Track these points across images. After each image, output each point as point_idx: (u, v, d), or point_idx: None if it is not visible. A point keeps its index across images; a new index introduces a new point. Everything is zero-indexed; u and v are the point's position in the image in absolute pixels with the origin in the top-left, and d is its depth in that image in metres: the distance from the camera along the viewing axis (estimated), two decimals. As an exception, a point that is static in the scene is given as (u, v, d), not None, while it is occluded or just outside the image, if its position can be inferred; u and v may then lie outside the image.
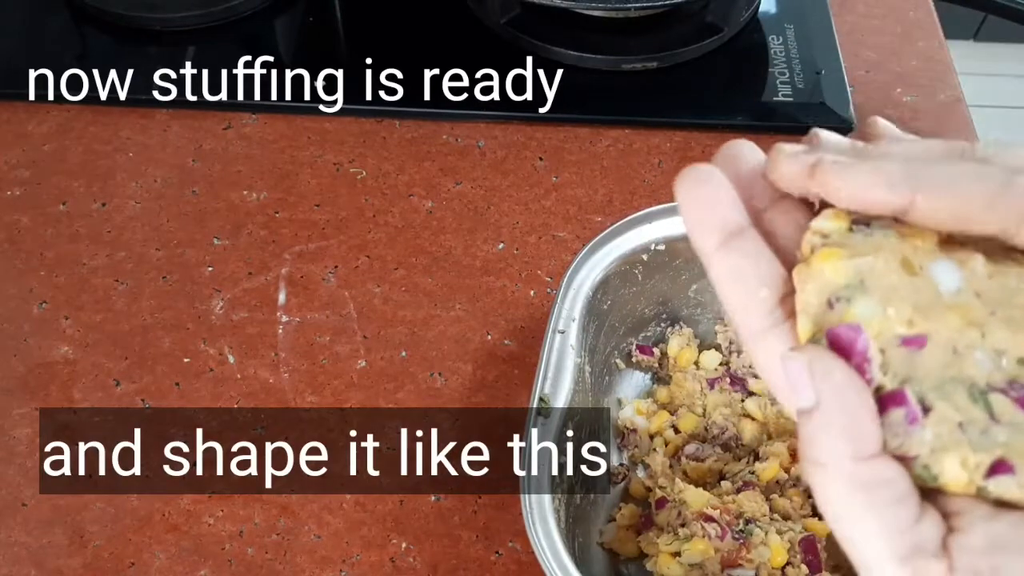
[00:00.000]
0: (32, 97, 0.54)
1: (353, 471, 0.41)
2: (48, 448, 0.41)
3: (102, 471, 0.41)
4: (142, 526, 0.39)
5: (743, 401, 0.41)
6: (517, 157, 0.52)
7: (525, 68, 0.56)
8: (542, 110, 0.54)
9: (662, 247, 0.40)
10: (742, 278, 0.20)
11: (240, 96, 0.55)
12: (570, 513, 0.36)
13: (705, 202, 0.20)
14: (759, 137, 0.53)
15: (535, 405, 0.35)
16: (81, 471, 0.41)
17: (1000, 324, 0.19)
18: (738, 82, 0.56)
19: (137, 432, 0.42)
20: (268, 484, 0.40)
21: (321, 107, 0.54)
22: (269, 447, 0.41)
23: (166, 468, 0.41)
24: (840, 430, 0.18)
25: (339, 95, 0.54)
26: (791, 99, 0.54)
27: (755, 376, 0.41)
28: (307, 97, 0.54)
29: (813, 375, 0.18)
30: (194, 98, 0.54)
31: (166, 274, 0.47)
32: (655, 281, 0.41)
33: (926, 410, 0.19)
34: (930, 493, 0.19)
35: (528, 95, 0.54)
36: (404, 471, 0.41)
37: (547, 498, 0.33)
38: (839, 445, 0.18)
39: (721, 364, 0.42)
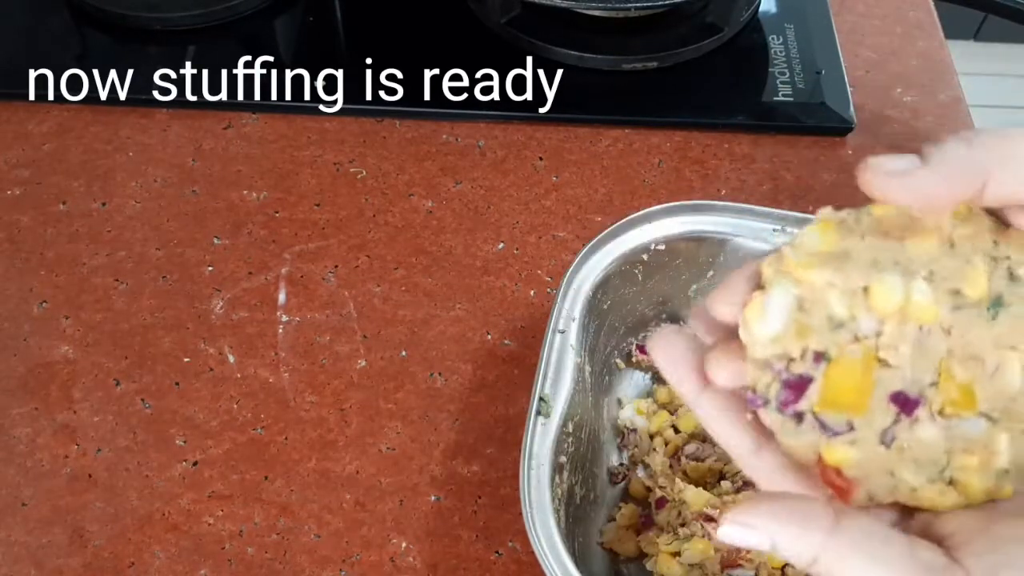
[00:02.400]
0: (32, 97, 0.55)
1: (353, 471, 0.41)
2: (48, 448, 0.41)
3: (102, 470, 0.41)
4: (142, 526, 0.39)
5: (743, 401, 0.41)
6: (517, 157, 0.52)
7: (525, 68, 0.56)
8: (542, 110, 0.54)
9: (662, 247, 0.40)
10: (725, 413, 0.23)
11: (240, 96, 0.55)
12: (570, 513, 0.36)
13: (679, 361, 0.23)
14: (759, 137, 0.53)
15: (535, 405, 0.35)
16: (81, 470, 0.41)
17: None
18: (738, 82, 0.56)
19: (137, 432, 0.42)
20: (268, 484, 0.40)
21: (321, 107, 0.54)
22: (269, 444, 0.41)
23: (166, 467, 0.41)
24: (802, 532, 0.20)
25: (339, 95, 0.54)
26: (791, 99, 0.54)
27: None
28: (307, 97, 0.54)
29: (751, 527, 0.21)
30: (194, 98, 0.54)
31: (166, 274, 0.47)
32: (655, 281, 0.41)
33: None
34: (919, 527, 0.21)
35: (528, 95, 0.54)
36: (404, 471, 0.41)
37: (547, 498, 0.33)
38: (811, 540, 0.20)
39: (721, 364, 0.42)
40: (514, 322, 0.45)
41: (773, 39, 0.57)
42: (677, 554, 0.36)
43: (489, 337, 0.45)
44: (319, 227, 0.49)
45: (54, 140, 0.53)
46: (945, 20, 0.60)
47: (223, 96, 0.55)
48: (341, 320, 0.45)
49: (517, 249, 0.48)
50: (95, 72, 0.56)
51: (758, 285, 0.22)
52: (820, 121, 0.53)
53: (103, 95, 0.54)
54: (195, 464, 0.41)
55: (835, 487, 0.21)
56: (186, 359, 0.44)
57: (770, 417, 0.21)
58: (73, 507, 0.40)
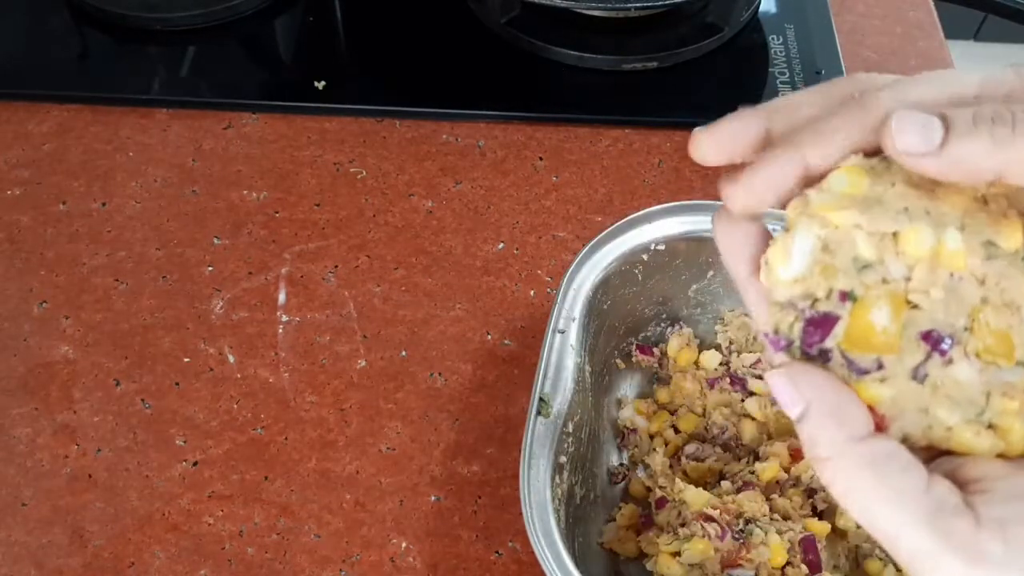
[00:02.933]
0: (32, 97, 0.55)
1: (353, 471, 0.41)
2: (48, 448, 0.41)
3: (102, 470, 0.41)
4: (142, 526, 0.39)
5: (743, 401, 0.41)
6: (517, 157, 0.52)
7: (525, 68, 0.56)
8: (542, 110, 0.54)
9: (662, 247, 0.40)
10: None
11: (240, 96, 0.55)
12: (570, 513, 0.36)
13: (737, 237, 0.22)
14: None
15: (535, 405, 0.35)
16: (81, 470, 0.41)
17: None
18: (738, 82, 0.56)
19: (137, 432, 0.42)
20: (268, 484, 0.40)
21: (321, 107, 0.54)
22: (269, 444, 0.41)
23: (166, 467, 0.41)
24: (831, 422, 0.20)
25: (339, 95, 0.54)
26: (791, 99, 0.54)
27: (755, 376, 0.41)
28: (307, 97, 0.54)
29: (796, 385, 0.20)
30: (194, 98, 0.55)
31: (166, 274, 0.47)
32: (655, 281, 0.41)
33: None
34: (947, 468, 0.21)
35: (528, 95, 0.55)
36: (404, 471, 0.41)
37: (547, 498, 0.33)
38: (834, 435, 0.20)
39: (721, 364, 0.42)
40: (514, 322, 0.45)
41: (773, 39, 0.57)
42: (677, 554, 0.35)
43: (489, 337, 0.45)
44: (319, 227, 0.49)
45: (54, 140, 0.53)
46: (945, 20, 0.60)
47: (223, 96, 0.55)
48: (341, 320, 0.45)
49: (517, 249, 0.48)
50: (95, 72, 0.56)
51: (764, 240, 0.22)
52: (820, 121, 0.53)
53: (103, 95, 0.55)
54: (195, 464, 0.41)
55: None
56: (186, 359, 0.44)
57: (791, 358, 0.21)
58: (73, 507, 0.40)
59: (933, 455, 0.21)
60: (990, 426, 0.21)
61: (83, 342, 0.45)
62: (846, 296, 0.21)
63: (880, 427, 0.21)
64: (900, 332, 0.21)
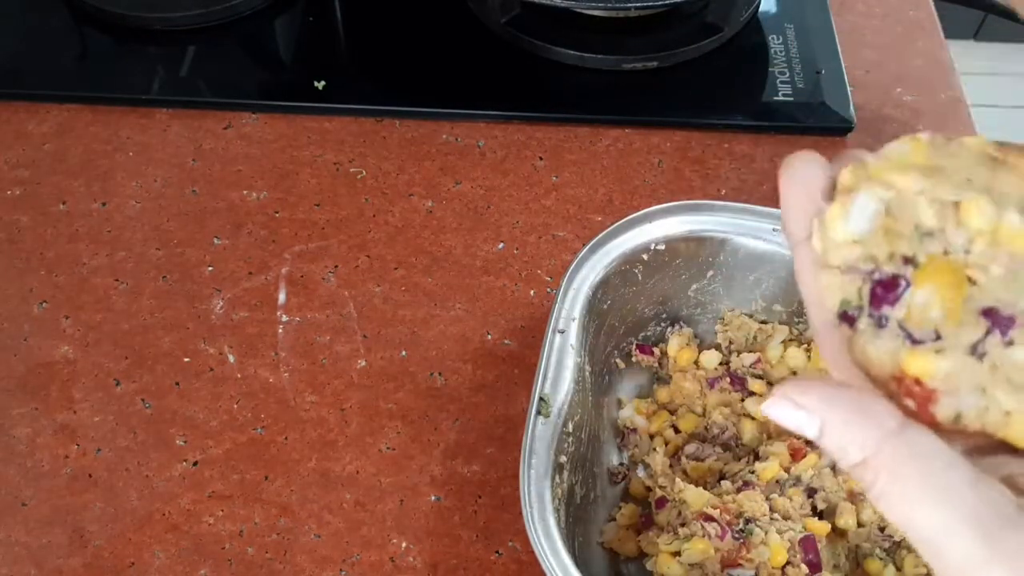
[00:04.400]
0: (32, 97, 0.55)
1: (353, 471, 0.41)
2: (48, 448, 0.41)
3: (102, 470, 0.41)
4: (142, 526, 0.39)
5: (743, 401, 0.41)
6: (517, 157, 0.52)
7: (525, 68, 0.56)
8: (542, 110, 0.54)
9: (662, 247, 0.40)
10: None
11: (240, 96, 0.55)
12: (570, 513, 0.36)
13: (804, 191, 0.21)
14: (759, 136, 0.53)
15: (535, 405, 0.35)
16: (81, 470, 0.41)
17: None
18: (738, 82, 0.56)
19: (137, 432, 0.42)
20: (268, 484, 0.40)
21: (321, 107, 0.54)
22: (269, 444, 0.41)
23: (166, 467, 0.41)
24: (858, 421, 0.18)
25: (339, 95, 0.54)
26: (791, 99, 0.54)
27: (755, 376, 0.41)
28: (307, 97, 0.54)
29: (801, 404, 0.19)
30: (194, 98, 0.55)
31: (166, 274, 0.47)
32: (655, 281, 0.41)
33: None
34: (997, 465, 0.19)
35: (528, 95, 0.54)
36: (404, 471, 0.41)
37: (547, 498, 0.33)
38: (866, 434, 0.18)
39: (721, 364, 0.42)
40: (514, 322, 0.45)
41: (773, 39, 0.57)
42: (677, 554, 0.35)
43: (489, 337, 0.45)
44: (319, 227, 0.49)
45: (54, 140, 0.53)
46: (945, 20, 0.60)
47: (223, 96, 0.55)
48: (341, 320, 0.45)
49: (517, 249, 0.48)
50: (95, 72, 0.56)
51: (831, 197, 0.20)
52: (820, 121, 0.53)
53: (103, 95, 0.54)
54: (195, 464, 0.41)
55: (915, 397, 0.19)
56: (186, 359, 0.44)
57: (861, 323, 0.20)
58: (73, 507, 0.40)
59: (983, 448, 0.19)
60: None
61: (83, 342, 0.45)
62: (908, 261, 0.20)
63: (928, 398, 0.19)
64: (960, 305, 0.20)
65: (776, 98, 0.54)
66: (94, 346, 0.45)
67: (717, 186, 0.51)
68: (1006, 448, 0.19)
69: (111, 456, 0.41)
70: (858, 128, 0.53)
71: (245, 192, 0.51)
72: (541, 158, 0.52)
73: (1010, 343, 0.20)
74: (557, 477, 0.35)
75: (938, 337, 0.20)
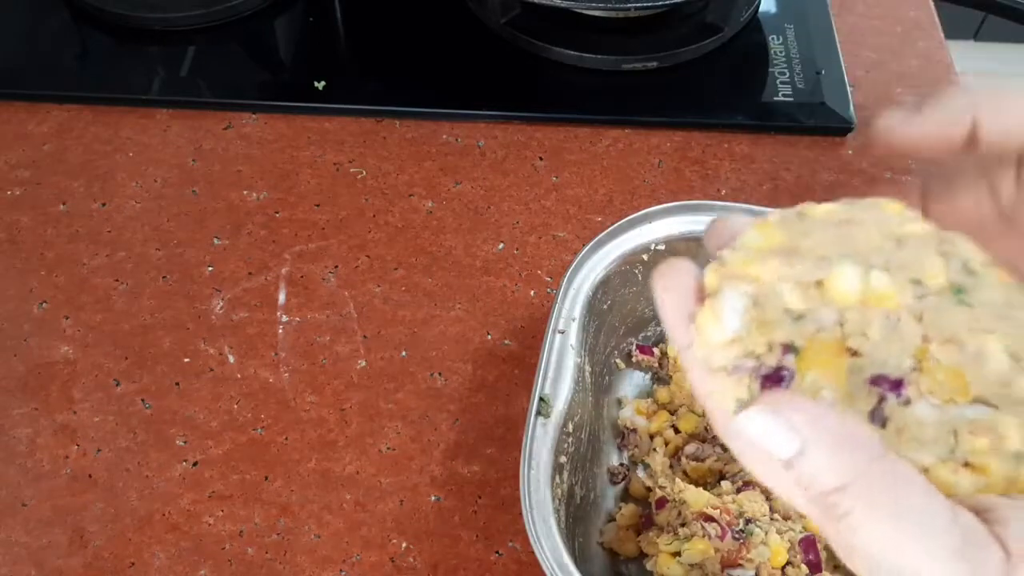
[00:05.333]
0: (32, 97, 0.55)
1: (353, 471, 0.41)
2: (48, 448, 0.41)
3: (102, 470, 0.41)
4: (142, 526, 0.39)
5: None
6: (517, 157, 0.52)
7: (525, 68, 0.56)
8: (542, 110, 0.54)
9: (662, 247, 0.40)
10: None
11: (240, 96, 0.55)
12: (570, 513, 0.36)
13: (678, 298, 0.21)
14: (759, 137, 0.53)
15: (535, 405, 0.35)
16: (81, 470, 0.41)
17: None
18: (738, 82, 0.56)
19: (137, 432, 0.42)
20: (268, 484, 0.40)
21: (321, 107, 0.54)
22: (269, 445, 0.41)
23: (166, 467, 0.41)
24: (846, 445, 0.18)
25: (339, 95, 0.54)
26: (791, 99, 0.54)
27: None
28: (307, 97, 0.54)
29: (787, 422, 0.18)
30: (194, 98, 0.55)
31: (166, 274, 0.47)
32: (655, 281, 0.41)
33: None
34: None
35: (528, 95, 0.54)
36: (404, 471, 0.41)
37: (547, 498, 0.33)
38: (852, 458, 0.18)
39: (721, 364, 0.42)
40: (514, 322, 0.45)
41: (773, 39, 0.57)
42: (677, 554, 0.35)
43: (489, 337, 0.45)
44: (319, 227, 0.49)
45: (54, 140, 0.53)
46: (945, 20, 0.60)
47: (223, 96, 0.55)
48: (341, 320, 0.45)
49: (517, 249, 0.48)
50: (95, 72, 0.56)
51: (700, 298, 0.21)
52: (820, 121, 0.53)
53: (103, 95, 0.54)
54: (195, 464, 0.41)
55: None
56: (186, 359, 0.44)
57: None
58: (73, 507, 0.40)
59: None
60: (966, 464, 0.20)
61: (83, 342, 0.45)
62: (788, 349, 0.20)
63: None
64: (845, 380, 0.20)
65: (776, 98, 0.54)
66: (94, 346, 0.45)
67: (717, 186, 0.51)
68: None
69: (111, 456, 0.41)
70: (858, 128, 0.53)
71: (245, 192, 0.51)
72: (541, 158, 0.52)
73: (907, 402, 0.20)
74: (557, 477, 0.35)
75: None
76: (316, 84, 0.55)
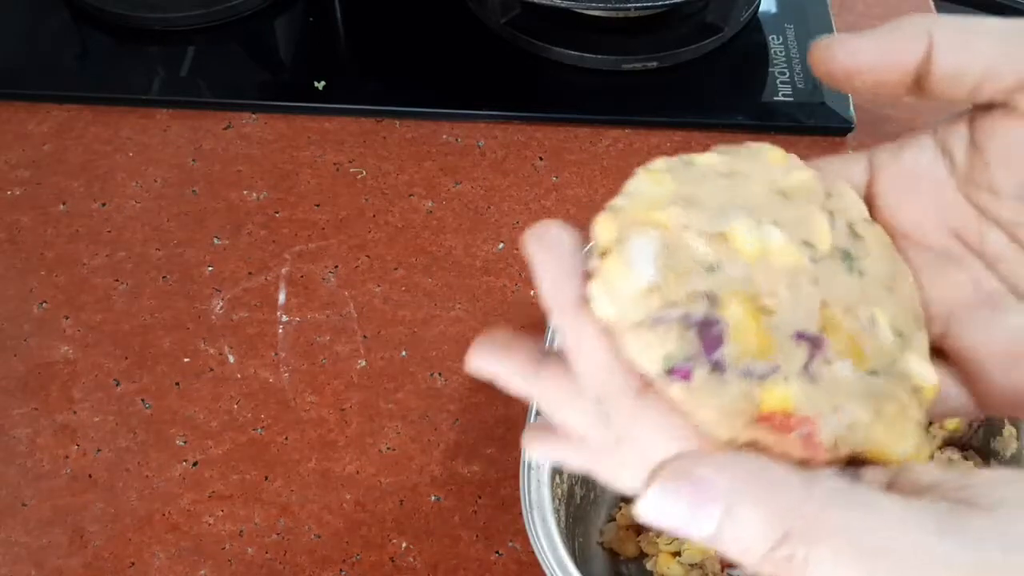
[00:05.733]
0: (32, 97, 0.55)
1: (353, 471, 0.41)
2: (48, 448, 0.41)
3: (102, 470, 0.41)
4: (142, 526, 0.39)
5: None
6: (517, 157, 0.52)
7: (525, 68, 0.56)
8: (542, 110, 0.54)
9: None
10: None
11: (240, 96, 0.55)
12: (570, 513, 0.36)
13: (558, 256, 0.19)
14: (759, 136, 0.53)
15: (535, 405, 0.35)
16: (81, 470, 0.41)
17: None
18: (738, 82, 0.56)
19: (137, 432, 0.42)
20: (268, 484, 0.40)
21: (321, 107, 0.54)
22: (269, 445, 0.41)
23: (166, 467, 0.41)
24: (764, 498, 0.16)
25: (339, 95, 0.54)
26: (791, 99, 0.54)
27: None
28: (307, 97, 0.54)
29: (703, 490, 0.16)
30: (194, 98, 0.54)
31: (166, 274, 0.47)
32: (655, 281, 0.41)
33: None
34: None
35: (528, 95, 0.54)
36: (404, 471, 0.41)
37: (547, 498, 0.33)
38: (780, 506, 0.16)
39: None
40: (514, 322, 0.45)
41: (773, 39, 0.57)
42: (677, 554, 0.36)
43: (489, 337, 0.45)
44: (319, 227, 0.49)
45: (54, 140, 0.53)
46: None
47: (223, 96, 0.55)
48: (341, 320, 0.45)
49: (517, 249, 0.48)
50: (95, 72, 0.56)
51: (590, 271, 0.18)
52: (820, 121, 0.53)
53: (103, 95, 0.54)
54: (195, 464, 0.41)
55: (791, 430, 0.17)
56: (186, 359, 0.44)
57: (698, 376, 0.17)
58: (73, 507, 0.40)
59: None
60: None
61: (83, 342, 0.45)
62: (710, 299, 0.18)
63: (812, 433, 0.17)
64: (771, 334, 0.18)
65: (776, 98, 0.54)
66: (94, 346, 0.45)
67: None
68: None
69: (111, 456, 0.41)
70: (858, 128, 0.53)
71: (245, 192, 0.51)
72: (541, 158, 0.52)
73: (828, 361, 0.18)
74: (557, 477, 0.35)
75: (776, 367, 0.18)
76: (316, 84, 0.55)
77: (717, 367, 0.17)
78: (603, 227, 0.19)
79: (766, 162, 0.21)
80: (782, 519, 0.15)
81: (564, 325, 0.19)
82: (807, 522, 0.15)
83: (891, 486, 0.17)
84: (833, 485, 0.16)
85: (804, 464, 0.17)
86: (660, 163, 0.20)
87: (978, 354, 0.21)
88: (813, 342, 0.18)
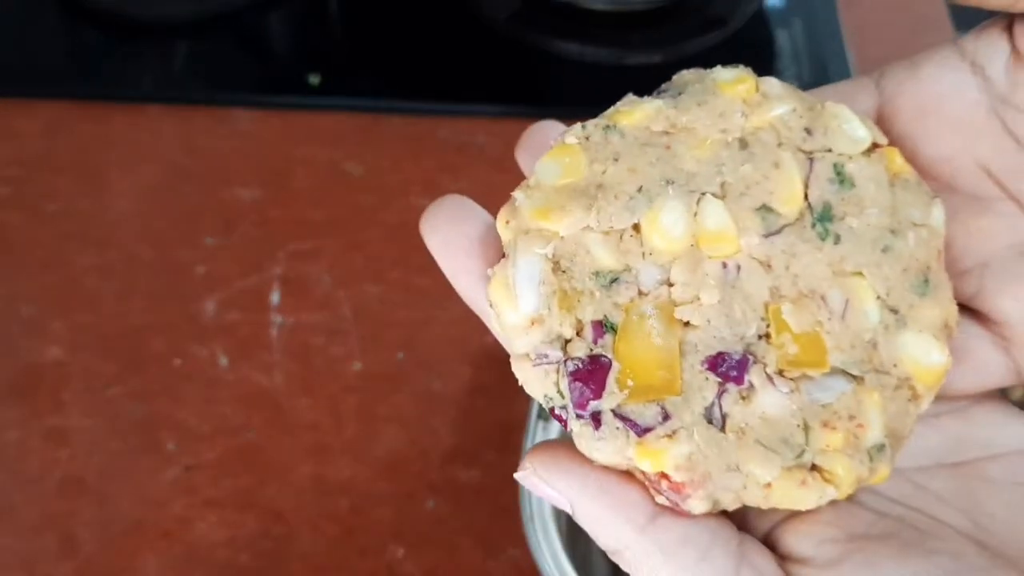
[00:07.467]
0: (21, 94, 0.54)
1: (349, 476, 0.40)
2: (37, 452, 0.41)
3: (93, 475, 0.40)
4: (133, 532, 0.39)
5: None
6: (517, 154, 0.52)
7: (526, 63, 0.55)
8: (543, 106, 0.53)
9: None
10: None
11: (233, 92, 0.54)
12: (571, 520, 0.35)
13: (461, 254, 0.18)
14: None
15: (535, 409, 0.35)
16: (71, 475, 0.40)
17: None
18: (743, 77, 0.55)
19: (128, 436, 0.41)
20: (261, 489, 0.40)
21: (316, 103, 0.53)
22: (262, 449, 0.41)
23: (158, 472, 0.40)
24: (607, 516, 0.17)
25: (335, 91, 0.54)
26: (797, 94, 0.53)
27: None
28: (302, 93, 0.53)
29: (550, 484, 0.17)
30: (186, 94, 0.54)
31: (157, 274, 0.47)
32: (658, 281, 0.40)
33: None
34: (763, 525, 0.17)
35: (529, 91, 0.54)
36: (401, 477, 0.40)
37: (548, 505, 0.33)
38: (614, 530, 0.17)
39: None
40: (514, 323, 0.45)
41: (779, 33, 0.56)
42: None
43: (489, 339, 0.44)
44: (314, 226, 0.48)
45: (44, 138, 0.52)
46: (954, 15, 0.59)
47: (216, 92, 0.54)
48: (336, 322, 0.45)
49: (517, 248, 0.48)
50: (86, 67, 0.55)
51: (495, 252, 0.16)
52: (826, 117, 0.52)
53: (94, 91, 0.54)
54: (187, 469, 0.40)
55: (665, 492, 0.16)
56: (177, 362, 0.43)
57: (573, 426, 0.16)
58: (63, 512, 0.39)
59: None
60: (814, 467, 0.16)
61: (73, 344, 0.44)
62: (602, 327, 0.16)
63: (679, 505, 0.16)
64: (678, 361, 0.16)
65: (782, 93, 0.53)
66: (84, 348, 0.44)
67: None
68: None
69: (101, 461, 0.41)
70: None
71: (238, 190, 0.50)
72: (541, 155, 0.52)
73: (750, 389, 0.16)
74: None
75: (666, 417, 0.15)
76: (311, 80, 0.54)
77: (593, 419, 0.16)
78: (501, 227, 0.17)
79: (727, 99, 0.18)
80: (617, 539, 0.17)
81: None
82: (637, 552, 0.16)
83: (773, 536, 0.17)
84: (671, 532, 0.16)
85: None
86: (577, 130, 0.17)
87: (1018, 314, 0.18)
88: (732, 368, 0.16)
